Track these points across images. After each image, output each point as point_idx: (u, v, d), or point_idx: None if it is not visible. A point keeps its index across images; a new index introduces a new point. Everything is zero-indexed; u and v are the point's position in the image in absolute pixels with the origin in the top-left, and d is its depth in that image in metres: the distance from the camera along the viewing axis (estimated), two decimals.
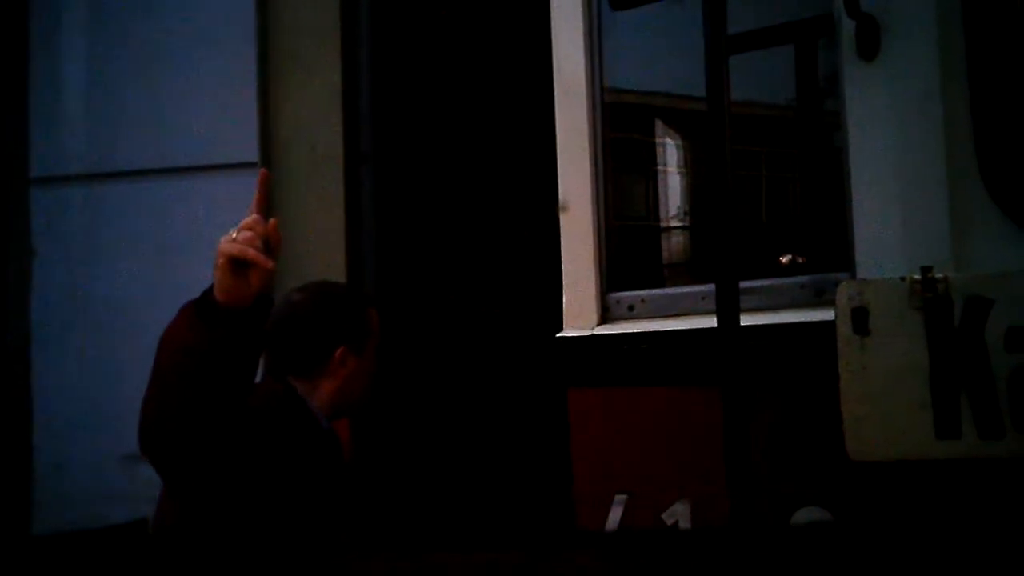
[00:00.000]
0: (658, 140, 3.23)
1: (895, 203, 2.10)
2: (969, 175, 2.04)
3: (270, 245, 2.00)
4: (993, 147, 2.04)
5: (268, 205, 2.08)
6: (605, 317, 2.57)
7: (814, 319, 2.20)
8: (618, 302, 2.57)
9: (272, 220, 2.03)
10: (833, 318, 2.02)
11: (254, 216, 2.02)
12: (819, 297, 2.29)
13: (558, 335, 2.58)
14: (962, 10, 2.05)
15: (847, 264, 2.19)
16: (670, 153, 3.28)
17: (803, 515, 2.22)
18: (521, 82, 3.26)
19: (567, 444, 2.49)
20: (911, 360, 1.96)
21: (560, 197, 2.63)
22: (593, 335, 2.54)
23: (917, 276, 1.97)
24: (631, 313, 2.55)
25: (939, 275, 1.96)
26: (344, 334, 2.49)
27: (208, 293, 2.01)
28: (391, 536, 3.11)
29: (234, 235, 1.99)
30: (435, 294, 3.55)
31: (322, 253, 3.45)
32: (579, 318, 2.56)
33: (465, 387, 3.32)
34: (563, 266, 2.59)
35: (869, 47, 2.11)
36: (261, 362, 2.41)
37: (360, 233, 3.54)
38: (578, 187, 2.62)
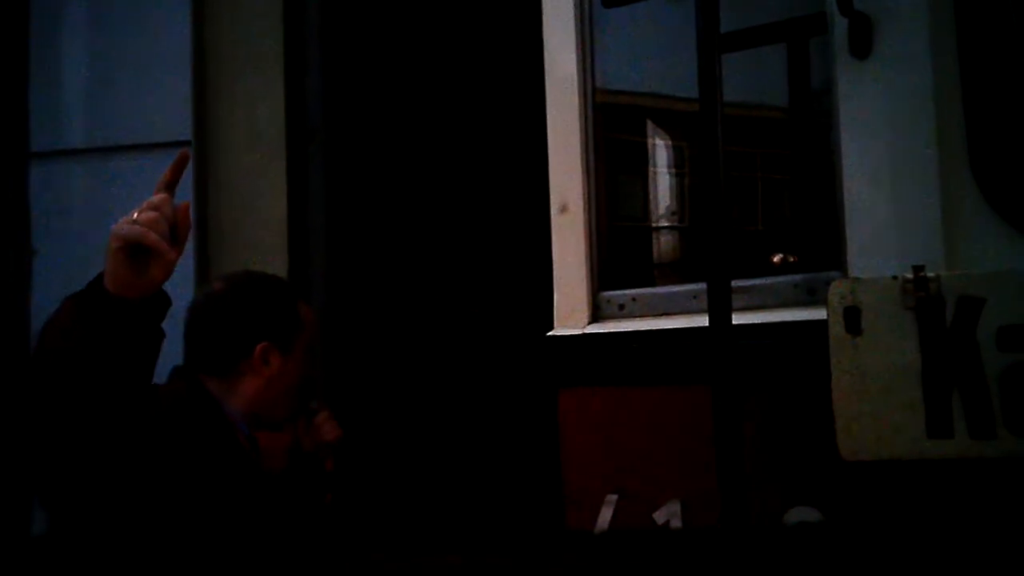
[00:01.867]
0: (650, 139, 3.22)
1: (887, 202, 2.09)
2: (961, 174, 2.04)
3: (177, 232, 1.72)
4: (985, 146, 2.04)
5: (177, 187, 1.80)
6: (596, 316, 2.56)
7: (806, 318, 2.19)
8: (609, 301, 2.56)
9: (183, 203, 1.75)
10: (825, 317, 2.01)
11: (161, 195, 1.72)
12: (811, 296, 2.29)
13: (548, 334, 2.57)
14: (954, 8, 2.05)
15: (839, 263, 2.19)
16: (661, 152, 3.27)
17: (794, 515, 2.21)
18: (508, 71, 3.22)
19: (557, 444, 2.48)
20: (903, 359, 1.95)
21: (559, 198, 2.61)
22: (584, 334, 2.53)
23: (909, 275, 1.96)
24: (622, 312, 2.54)
25: (931, 274, 1.95)
26: (267, 328, 2.24)
27: (96, 283, 1.71)
28: (382, 538, 3.10)
29: (135, 215, 1.68)
30: (404, 290, 3.48)
31: (262, 240, 3.24)
32: (570, 317, 2.55)
33: (453, 386, 3.30)
34: (554, 265, 2.58)
35: (862, 45, 2.10)
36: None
37: (306, 219, 3.32)
38: (570, 187, 2.61)
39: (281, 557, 2.14)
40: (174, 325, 1.90)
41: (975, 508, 1.97)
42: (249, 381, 2.22)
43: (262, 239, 3.25)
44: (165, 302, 1.79)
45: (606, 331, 2.51)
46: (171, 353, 1.91)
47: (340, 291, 3.39)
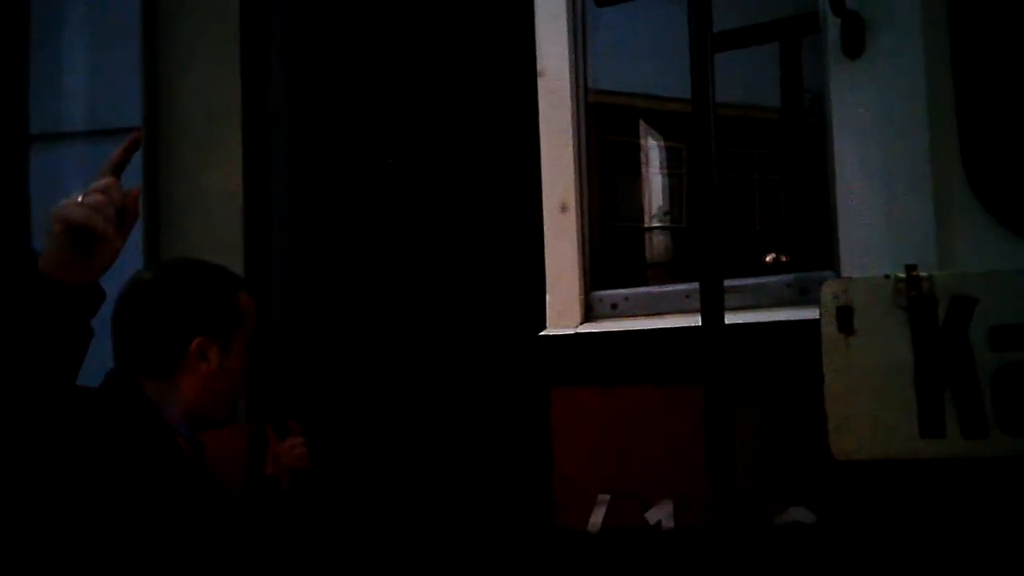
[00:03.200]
0: (643, 140, 3.22)
1: (879, 201, 2.09)
2: (953, 173, 2.04)
3: (124, 218, 1.59)
4: (977, 145, 2.04)
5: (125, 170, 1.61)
6: (589, 315, 2.56)
7: (799, 318, 2.19)
8: (602, 300, 2.56)
9: (133, 188, 1.63)
10: (818, 316, 2.01)
11: (109, 178, 1.59)
12: (804, 295, 2.29)
13: (541, 333, 2.56)
14: (947, 8, 2.05)
15: (832, 262, 2.19)
16: (654, 152, 3.27)
17: (787, 515, 2.21)
18: (495, 64, 3.17)
19: (549, 443, 2.47)
20: (896, 359, 1.96)
21: (552, 197, 2.61)
22: (576, 333, 2.52)
23: (902, 275, 1.96)
24: (615, 311, 2.54)
25: (923, 274, 1.95)
26: (203, 321, 2.04)
27: (30, 264, 1.55)
28: (376, 539, 3.09)
29: (80, 198, 1.55)
30: (385, 288, 3.40)
31: (217, 234, 2.99)
32: (563, 316, 2.55)
33: (445, 386, 3.29)
34: (547, 264, 2.58)
35: (854, 45, 2.11)
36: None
37: (267, 211, 3.10)
38: (562, 186, 2.60)
39: (230, 567, 1.98)
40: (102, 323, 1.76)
41: (968, 507, 1.97)
42: (187, 380, 2.03)
43: (217, 233, 3.02)
44: (99, 296, 1.65)
45: (599, 331, 2.51)
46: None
47: (306, 289, 3.22)
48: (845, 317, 1.99)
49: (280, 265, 3.15)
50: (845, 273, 2.10)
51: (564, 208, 2.60)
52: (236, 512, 2.10)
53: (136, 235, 2.24)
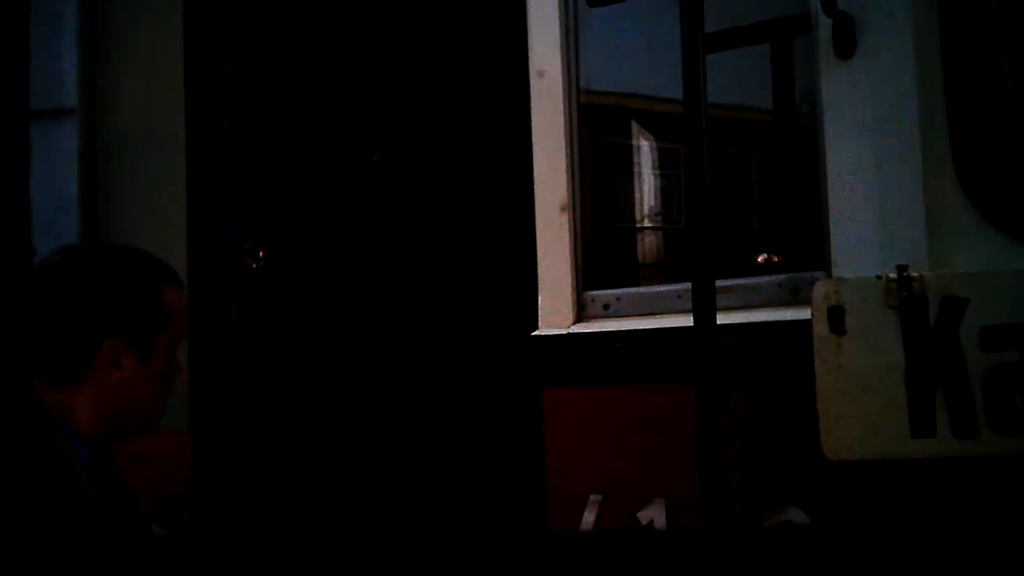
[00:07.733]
0: (635, 140, 3.22)
1: (871, 202, 2.09)
2: (944, 174, 2.05)
3: None
4: (968, 146, 2.05)
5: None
6: (581, 316, 2.56)
7: (790, 318, 2.20)
8: (594, 300, 2.56)
9: None
10: (809, 317, 2.01)
11: None
12: (795, 296, 2.29)
13: (533, 334, 2.57)
14: (938, 9, 2.06)
15: (823, 263, 2.19)
16: (646, 153, 3.27)
17: (779, 515, 2.22)
18: (487, 67, 3.15)
19: (541, 444, 2.47)
20: (887, 359, 1.96)
21: (544, 197, 2.61)
22: (568, 334, 2.53)
23: (893, 275, 1.96)
24: (607, 312, 2.54)
25: (914, 274, 1.96)
26: (117, 320, 1.74)
27: None
28: (370, 538, 3.09)
29: None
30: (368, 286, 3.36)
31: (158, 220, 2.77)
32: (554, 316, 2.55)
33: (435, 386, 3.28)
34: (539, 264, 2.58)
35: (846, 45, 2.11)
36: None
37: (216, 205, 2.87)
38: (555, 187, 2.61)
39: None
40: None
41: (959, 507, 1.98)
42: (93, 388, 1.74)
43: (161, 228, 2.79)
44: None
45: (591, 331, 2.51)
46: None
47: (273, 288, 3.06)
48: (836, 317, 1.99)
49: (233, 257, 2.95)
50: (837, 273, 2.11)
51: (558, 208, 2.60)
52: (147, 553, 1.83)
53: (72, 225, 2.07)
